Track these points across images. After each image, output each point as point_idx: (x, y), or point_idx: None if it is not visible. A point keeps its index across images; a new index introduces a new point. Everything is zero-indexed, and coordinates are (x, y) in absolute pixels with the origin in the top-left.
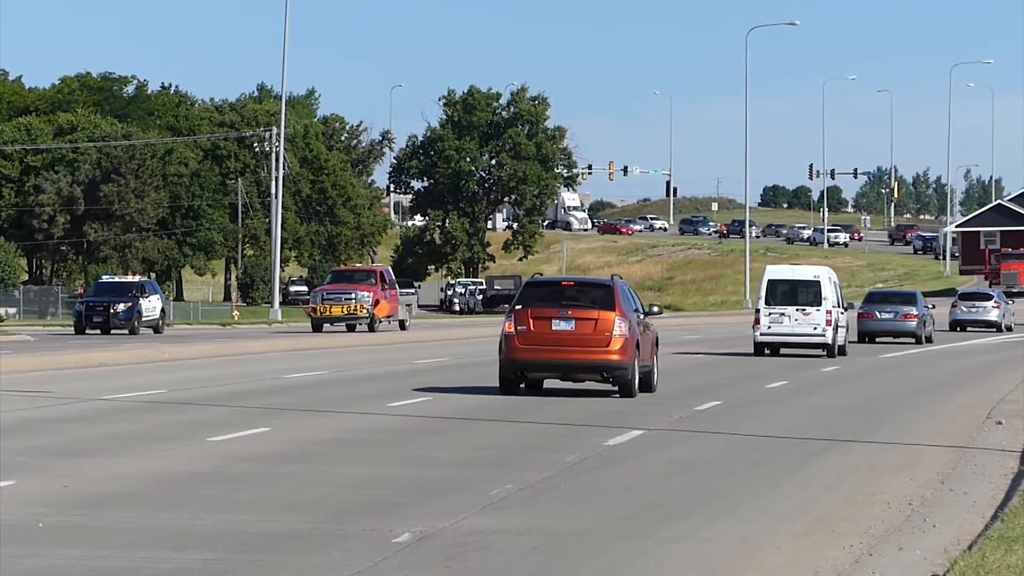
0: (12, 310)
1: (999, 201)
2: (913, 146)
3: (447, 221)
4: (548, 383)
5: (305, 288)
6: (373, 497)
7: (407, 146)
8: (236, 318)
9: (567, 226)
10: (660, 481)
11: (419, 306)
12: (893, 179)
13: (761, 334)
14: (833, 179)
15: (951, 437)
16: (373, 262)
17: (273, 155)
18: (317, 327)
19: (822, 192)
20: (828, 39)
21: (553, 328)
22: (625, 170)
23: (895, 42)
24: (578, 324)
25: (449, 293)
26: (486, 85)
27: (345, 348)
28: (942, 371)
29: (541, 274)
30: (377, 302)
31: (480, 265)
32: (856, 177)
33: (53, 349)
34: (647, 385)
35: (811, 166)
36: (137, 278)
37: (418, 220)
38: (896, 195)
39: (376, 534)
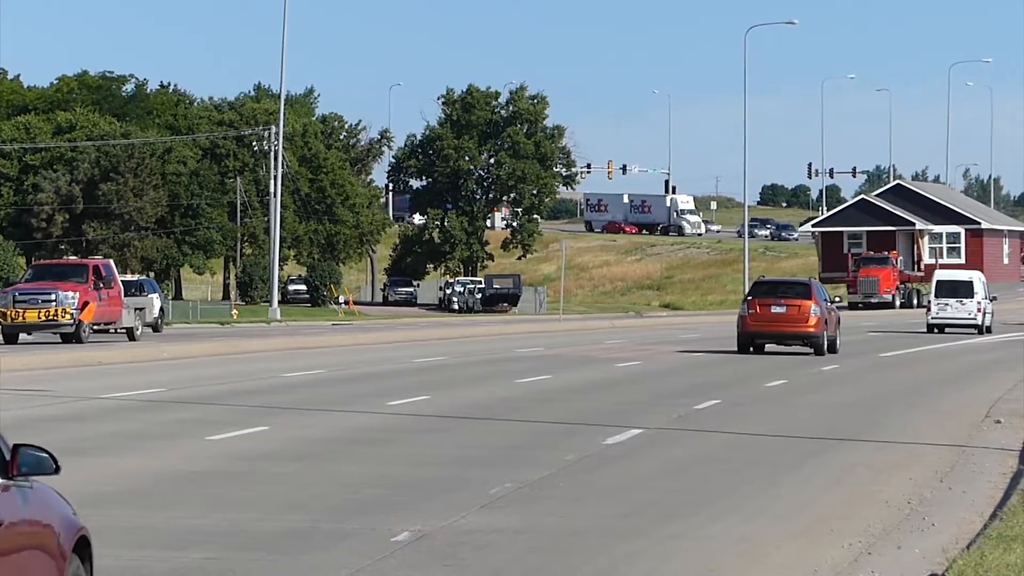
0: None
1: (863, 196)
2: (912, 145)
3: (446, 220)
4: (768, 347)
5: (304, 287)
6: (372, 496)
7: (406, 145)
8: (235, 317)
9: (679, 230)
10: (659, 480)
11: (418, 305)
12: (892, 178)
13: (932, 318)
14: (832, 178)
15: (950, 436)
16: (372, 261)
17: (272, 154)
18: (9, 338)
19: (821, 191)
20: (827, 38)
21: (772, 311)
22: (624, 169)
23: (894, 41)
24: (788, 308)
25: (448, 292)
26: (485, 84)
27: (344, 348)
28: (941, 370)
29: (764, 276)
30: (85, 304)
31: (479, 264)
32: (855, 176)
33: (52, 348)
34: (832, 348)
35: (810, 165)
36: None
37: (417, 219)
38: None
39: (375, 533)
